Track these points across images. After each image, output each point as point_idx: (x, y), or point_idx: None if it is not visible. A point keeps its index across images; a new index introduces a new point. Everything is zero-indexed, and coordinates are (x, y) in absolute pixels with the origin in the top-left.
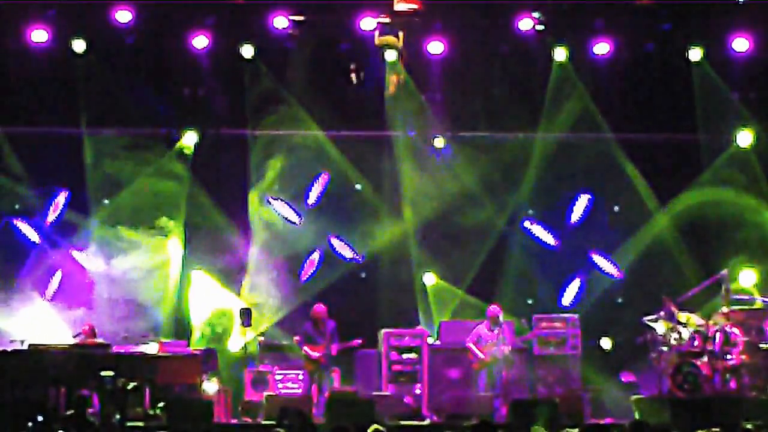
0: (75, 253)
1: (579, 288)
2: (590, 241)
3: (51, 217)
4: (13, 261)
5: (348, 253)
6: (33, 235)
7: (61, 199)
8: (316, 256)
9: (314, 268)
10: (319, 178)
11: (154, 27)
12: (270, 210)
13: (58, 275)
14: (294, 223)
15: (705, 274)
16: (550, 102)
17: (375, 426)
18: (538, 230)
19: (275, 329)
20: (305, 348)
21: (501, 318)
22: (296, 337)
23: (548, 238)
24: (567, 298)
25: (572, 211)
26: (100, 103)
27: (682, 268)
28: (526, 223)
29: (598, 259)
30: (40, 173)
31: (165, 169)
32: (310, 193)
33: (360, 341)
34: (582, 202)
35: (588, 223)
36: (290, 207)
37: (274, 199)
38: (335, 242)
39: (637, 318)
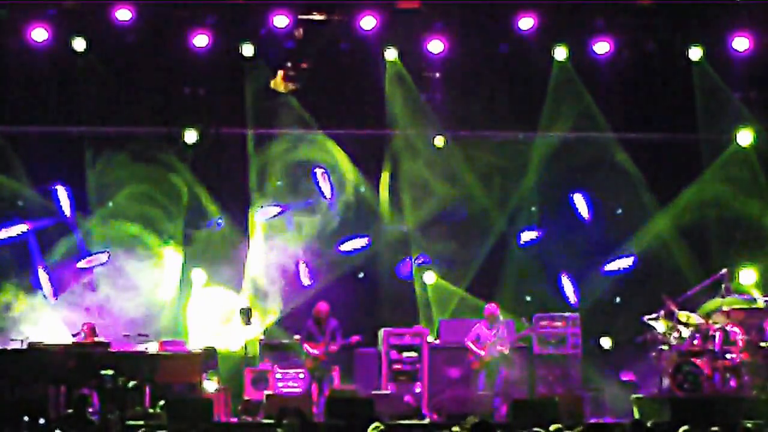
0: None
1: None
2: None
3: (82, 263)
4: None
5: (306, 281)
6: (67, 209)
7: (102, 258)
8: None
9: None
10: (317, 175)
11: (154, 26)
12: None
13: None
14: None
15: (705, 273)
16: (550, 102)
17: (376, 423)
18: (580, 203)
19: (276, 328)
20: (306, 345)
21: (499, 316)
22: (296, 336)
23: (584, 212)
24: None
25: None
26: (100, 103)
27: (682, 268)
28: (576, 195)
29: (565, 281)
30: (40, 173)
31: (165, 169)
32: (322, 191)
33: (359, 338)
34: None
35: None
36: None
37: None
38: (301, 267)
39: (637, 317)
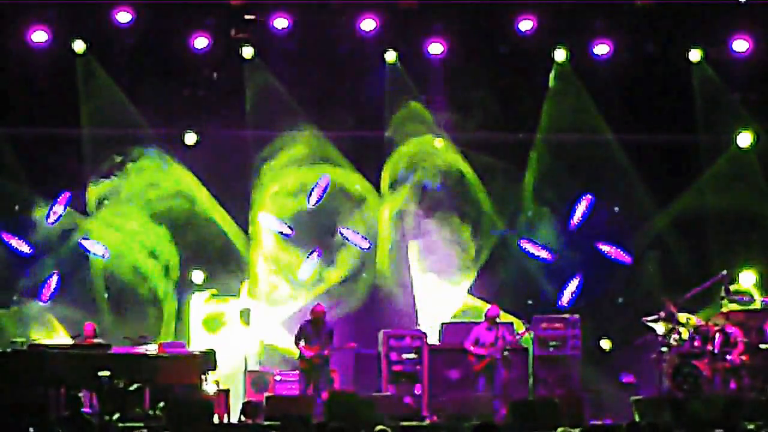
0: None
1: (578, 286)
2: (591, 239)
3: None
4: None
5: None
6: (24, 247)
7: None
8: (315, 256)
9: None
10: (320, 181)
11: (154, 27)
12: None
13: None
14: (287, 235)
15: (705, 274)
16: (550, 102)
17: (380, 427)
18: (532, 249)
19: (276, 329)
20: (301, 346)
21: (500, 318)
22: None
23: (543, 254)
24: (566, 297)
25: (573, 213)
26: (100, 103)
27: (682, 269)
28: (523, 243)
29: (605, 248)
30: (40, 173)
31: (165, 170)
32: (310, 196)
33: (354, 345)
34: (583, 204)
35: (588, 223)
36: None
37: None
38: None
39: (637, 319)
